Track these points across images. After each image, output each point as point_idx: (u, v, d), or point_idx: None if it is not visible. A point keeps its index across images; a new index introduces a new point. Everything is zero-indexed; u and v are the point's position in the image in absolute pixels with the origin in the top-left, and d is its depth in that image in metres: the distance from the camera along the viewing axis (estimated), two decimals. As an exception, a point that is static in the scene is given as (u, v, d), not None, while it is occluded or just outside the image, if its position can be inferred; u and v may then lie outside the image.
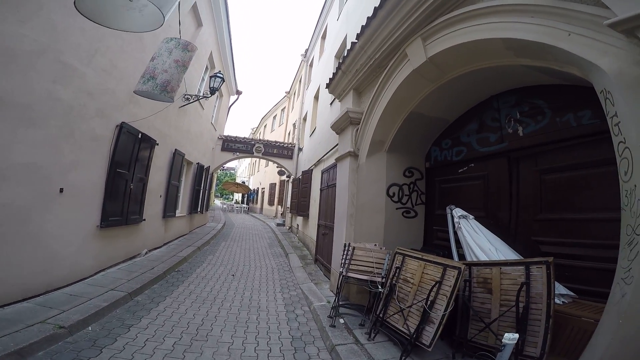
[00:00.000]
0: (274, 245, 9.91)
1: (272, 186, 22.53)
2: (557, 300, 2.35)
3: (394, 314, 3.12)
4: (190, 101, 7.66)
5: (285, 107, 20.95)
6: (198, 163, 10.08)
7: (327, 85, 5.48)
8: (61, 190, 3.75)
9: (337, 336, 3.25)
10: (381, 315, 3.24)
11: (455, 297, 2.65)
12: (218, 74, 7.73)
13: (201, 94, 8.33)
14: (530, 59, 2.47)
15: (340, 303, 3.79)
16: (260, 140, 14.58)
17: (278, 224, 15.24)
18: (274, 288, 5.20)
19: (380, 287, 3.39)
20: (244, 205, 29.47)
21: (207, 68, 9.74)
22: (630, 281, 1.57)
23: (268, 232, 13.09)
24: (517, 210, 3.09)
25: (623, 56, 1.65)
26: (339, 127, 5.06)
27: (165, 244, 7.52)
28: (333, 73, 5.13)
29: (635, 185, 1.58)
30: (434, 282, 2.77)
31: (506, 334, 1.73)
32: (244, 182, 34.92)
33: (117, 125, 4.74)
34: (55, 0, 3.37)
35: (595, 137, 2.41)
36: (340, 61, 4.78)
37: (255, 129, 30.73)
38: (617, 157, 1.76)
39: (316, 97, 10.77)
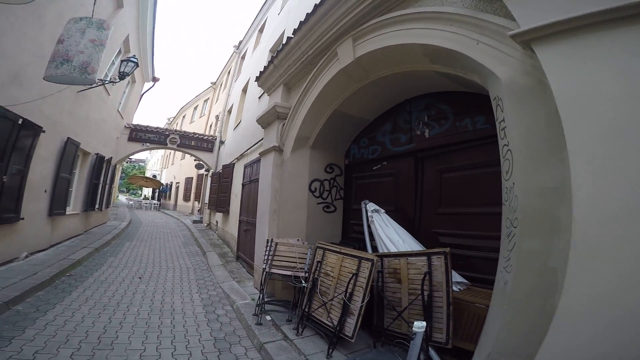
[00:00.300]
0: (189, 243, 9.26)
1: (189, 180, 20.94)
2: (454, 288, 2.60)
3: (318, 308, 3.19)
4: (94, 85, 6.64)
5: (209, 98, 19.80)
6: (97, 154, 8.77)
7: (257, 78, 5.35)
8: None
9: (265, 334, 3.20)
10: (306, 309, 3.28)
11: (370, 288, 2.80)
12: (132, 59, 6.91)
13: (107, 79, 7.29)
14: (442, 66, 2.70)
15: (265, 300, 3.75)
16: (176, 131, 13.46)
17: (195, 221, 14.27)
18: (190, 289, 4.87)
19: (303, 281, 3.44)
20: (155, 202, 26.66)
21: (120, 51, 8.65)
22: (510, 270, 1.76)
23: (183, 230, 12.15)
24: (420, 205, 3.47)
25: (516, 66, 1.87)
26: (265, 121, 4.99)
27: (52, 246, 6.37)
28: (265, 66, 5.03)
29: (514, 183, 1.83)
30: (351, 275, 2.90)
31: (415, 322, 1.81)
32: (155, 176, 31.61)
33: (-14, 108, 3.85)
34: None
35: (486, 141, 2.75)
36: (274, 55, 4.71)
37: (172, 119, 28.16)
38: (501, 159, 2.04)
39: (244, 90, 10.42)
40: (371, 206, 3.62)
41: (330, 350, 2.79)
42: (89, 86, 6.56)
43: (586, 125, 1.50)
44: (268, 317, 3.61)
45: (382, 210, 3.55)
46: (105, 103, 8.65)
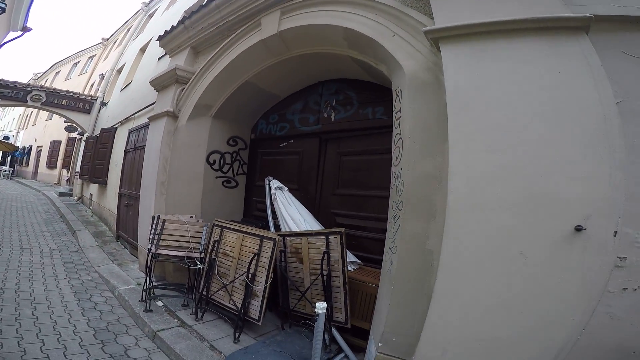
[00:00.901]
0: (53, 221, 7.65)
1: (56, 144, 17.09)
2: (349, 267, 2.72)
3: (218, 291, 3.02)
4: None
5: (95, 55, 16.66)
6: None
7: (161, 38, 4.63)
8: None
9: (157, 321, 2.91)
10: (204, 293, 3.08)
11: (273, 268, 2.74)
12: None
13: None
14: (357, 52, 2.76)
15: (155, 284, 3.35)
16: (42, 87, 10.75)
17: (61, 194, 11.82)
18: (55, 274, 4.06)
19: (199, 263, 3.19)
20: (6, 168, 21.05)
21: None
22: (395, 250, 1.90)
23: (45, 205, 9.95)
24: (321, 185, 3.58)
25: (421, 61, 2.01)
26: (161, 83, 4.38)
27: None
28: (172, 26, 4.38)
29: (402, 169, 1.99)
30: (252, 255, 2.78)
31: (317, 304, 1.84)
32: (7, 138, 24.74)
33: None
34: None
35: (383, 130, 2.92)
36: (187, 16, 4.13)
37: (40, 75, 22.28)
38: (392, 146, 2.19)
39: (143, 50, 9.00)
40: (275, 183, 3.55)
41: (237, 334, 2.70)
42: None
43: (468, 121, 1.71)
44: (159, 303, 3.29)
45: (286, 188, 3.52)
46: None
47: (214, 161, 4.05)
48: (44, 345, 2.47)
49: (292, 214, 3.24)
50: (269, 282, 2.69)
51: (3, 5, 5.41)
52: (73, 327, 2.80)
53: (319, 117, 3.67)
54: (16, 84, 10.01)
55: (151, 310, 3.10)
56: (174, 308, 3.22)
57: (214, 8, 3.86)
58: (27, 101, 10.11)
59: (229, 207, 4.18)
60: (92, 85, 14.77)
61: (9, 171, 20.81)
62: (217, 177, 4.08)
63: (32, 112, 21.37)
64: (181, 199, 3.86)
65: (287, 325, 2.91)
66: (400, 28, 2.21)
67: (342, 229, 2.68)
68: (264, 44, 3.32)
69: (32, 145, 21.23)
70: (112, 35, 15.76)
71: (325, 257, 2.63)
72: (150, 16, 11.48)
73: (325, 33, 2.86)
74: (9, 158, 23.32)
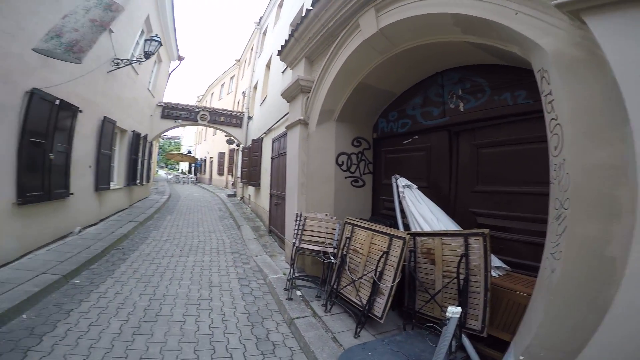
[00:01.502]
0: (225, 217, 9.67)
1: (221, 155, 21.58)
2: (493, 273, 2.43)
3: (346, 285, 3.17)
4: (120, 66, 6.80)
5: (234, 75, 19.94)
6: (134, 131, 9.18)
7: (279, 53, 5.23)
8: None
9: (295, 309, 3.26)
10: (335, 286, 3.27)
11: (402, 267, 2.69)
12: (154, 38, 7.01)
13: (134, 59, 7.42)
14: (476, 36, 2.48)
15: (296, 275, 3.78)
16: (206, 107, 13.72)
17: (229, 195, 14.83)
18: (226, 262, 5.10)
19: (332, 257, 3.42)
20: (192, 176, 27.98)
21: (142, 32, 8.70)
22: (559, 257, 1.61)
23: (218, 204, 12.70)
24: (456, 182, 3.26)
25: (564, 37, 1.68)
26: (289, 95, 4.91)
27: (101, 220, 6.92)
28: (285, 40, 4.90)
29: (564, 160, 1.65)
30: (381, 253, 2.79)
31: (450, 308, 1.71)
32: (190, 152, 32.91)
33: (26, 92, 4.05)
34: None
35: (529, 116, 2.52)
36: (294, 28, 4.55)
37: (201, 97, 28.71)
38: (548, 134, 1.84)
39: (268, 66, 10.32)
40: (402, 181, 3.46)
41: (358, 330, 2.79)
42: (118, 67, 6.76)
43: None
44: (298, 293, 3.68)
45: (414, 186, 3.38)
46: (135, 83, 8.87)
47: (342, 162, 4.27)
48: (212, 323, 3.10)
49: (423, 213, 3.09)
50: (396, 281, 2.66)
51: (158, 39, 7.16)
52: (234, 309, 3.44)
53: (444, 109, 3.39)
54: (188, 107, 13.10)
55: (291, 299, 3.49)
56: (309, 298, 3.52)
57: (313, 17, 4.07)
58: (197, 120, 13.02)
59: (358, 206, 4.33)
60: (237, 102, 17.58)
61: (194, 178, 27.49)
62: (346, 177, 4.28)
63: (203, 129, 27.45)
64: (318, 198, 4.22)
65: (409, 327, 2.83)
66: (519, 4, 1.90)
67: (486, 230, 2.40)
68: (368, 43, 3.30)
69: (205, 157, 27.44)
70: (241, 55, 18.26)
71: (463, 260, 2.42)
72: (264, 34, 12.80)
73: (431, 23, 2.66)
74: (192, 168, 30.78)
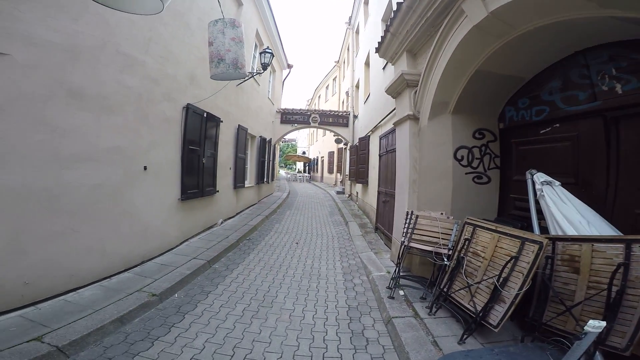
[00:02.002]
0: (334, 213, 10.10)
1: (331, 154, 22.66)
2: None
3: (459, 290, 2.93)
4: (246, 78, 7.83)
5: (336, 77, 20.63)
6: (260, 136, 10.50)
7: (377, 50, 5.12)
8: (145, 168, 4.20)
9: (395, 308, 3.19)
10: (445, 289, 3.07)
11: (533, 275, 2.37)
12: (267, 50, 7.74)
13: (255, 71, 8.47)
14: (619, 9, 2.01)
15: (401, 274, 3.67)
16: (315, 110, 14.60)
17: (338, 192, 15.42)
18: (333, 256, 5.32)
19: (446, 259, 3.18)
20: (306, 174, 30.38)
21: (256, 46, 9.80)
22: None
23: (329, 200, 13.36)
24: (616, 178, 2.58)
25: None
26: (394, 90, 4.75)
27: (237, 214, 8.18)
28: (381, 37, 4.77)
29: None
30: (508, 258, 2.50)
31: (591, 321, 1.51)
32: (304, 153, 35.75)
33: (183, 107, 5.08)
34: None
35: None
36: (388, 24, 4.41)
37: (310, 100, 30.79)
38: None
39: (367, 64, 10.29)
40: (540, 177, 2.90)
41: (465, 336, 2.57)
42: (244, 79, 7.79)
43: None
44: (401, 292, 3.56)
45: (557, 183, 2.79)
46: (258, 93, 10.10)
47: (462, 157, 3.86)
48: (316, 313, 3.28)
49: (568, 214, 2.55)
50: (524, 289, 2.34)
51: (270, 51, 7.76)
52: (336, 302, 3.56)
53: (594, 92, 2.73)
54: (302, 111, 14.16)
55: (393, 298, 3.39)
56: (412, 299, 3.37)
57: (406, 10, 3.83)
58: (309, 123, 13.97)
59: (481, 205, 3.84)
60: (342, 102, 18.10)
61: (308, 176, 29.74)
62: (466, 173, 3.87)
63: (314, 131, 29.36)
64: (431, 196, 3.95)
65: (528, 339, 2.45)
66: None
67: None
68: (479, 29, 2.94)
69: (317, 156, 29.29)
70: (339, 56, 18.65)
71: (620, 270, 2.01)
72: (357, 32, 12.68)
73: (554, 0, 2.22)
74: (306, 167, 33.36)
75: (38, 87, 2.91)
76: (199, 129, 5.55)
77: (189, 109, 5.15)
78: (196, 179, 5.56)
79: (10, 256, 2.74)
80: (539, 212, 2.87)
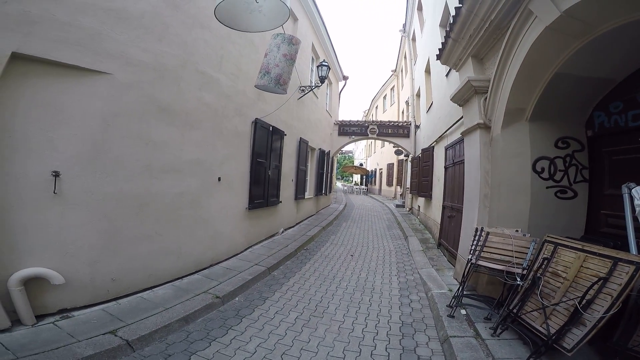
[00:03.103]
0: (392, 227, 9.81)
1: (390, 166, 22.16)
2: None
3: (532, 311, 2.68)
4: (306, 92, 8.18)
5: (394, 86, 20.28)
6: (320, 148, 10.79)
7: (439, 57, 4.95)
8: (219, 179, 4.62)
9: (455, 327, 2.99)
10: (514, 310, 2.82)
11: (625, 297, 2.11)
12: (323, 63, 7.95)
13: (313, 84, 8.77)
14: None
15: (465, 293, 3.43)
16: (373, 121, 14.53)
17: (397, 205, 14.96)
18: (390, 271, 5.17)
19: (519, 279, 2.92)
20: (363, 187, 30.13)
21: (312, 59, 10.08)
22: None
23: (387, 214, 13.03)
24: None
25: None
26: (460, 98, 4.51)
27: (297, 224, 8.45)
28: (442, 43, 4.60)
29: None
30: (595, 279, 2.27)
31: None
32: (361, 164, 35.61)
33: (252, 122, 5.50)
34: (175, 18, 3.77)
35: None
36: (448, 29, 4.25)
37: (367, 111, 30.70)
38: None
39: (427, 71, 9.94)
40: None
41: (532, 359, 2.34)
42: (304, 93, 8.12)
43: None
44: (463, 312, 3.32)
45: None
46: (317, 106, 10.40)
47: (542, 169, 3.50)
48: (365, 327, 3.20)
49: None
50: (611, 312, 2.11)
51: (326, 64, 7.87)
52: (389, 317, 3.44)
53: None
54: (359, 122, 14.16)
55: (453, 317, 3.18)
56: (475, 319, 3.14)
57: (467, 15, 3.66)
58: (367, 134, 13.91)
59: (564, 222, 3.42)
60: (402, 112, 17.65)
61: (365, 189, 29.44)
62: (547, 187, 3.49)
63: (372, 142, 29.04)
64: (505, 211, 3.63)
65: None
66: None
67: None
68: (553, 30, 2.70)
69: (375, 169, 28.89)
70: (396, 65, 18.19)
71: None
72: (413, 39, 12.27)
73: None
74: (364, 179, 33.08)
75: (134, 104, 3.36)
76: (265, 142, 5.92)
77: (257, 123, 5.54)
78: (262, 189, 5.91)
79: (106, 254, 3.15)
80: (637, 229, 2.51)
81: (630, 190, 2.64)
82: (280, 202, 6.88)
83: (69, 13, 2.79)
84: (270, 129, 6.09)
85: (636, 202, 2.52)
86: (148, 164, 3.53)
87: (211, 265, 4.50)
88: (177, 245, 3.92)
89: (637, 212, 2.50)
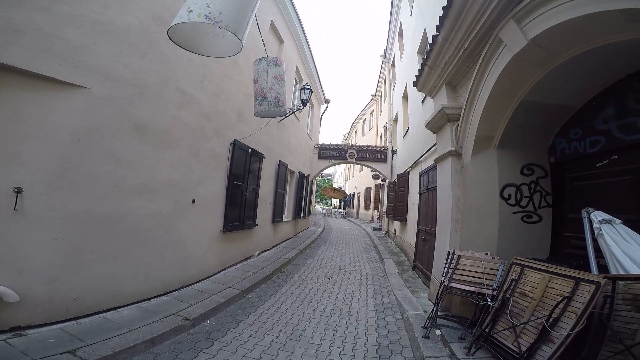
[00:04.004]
0: (369, 250, 9.83)
1: (368, 190, 22.49)
2: None
3: (503, 330, 2.75)
4: (287, 115, 8.25)
5: (373, 110, 20.88)
6: (299, 172, 10.81)
7: (415, 83, 5.20)
8: (193, 201, 4.51)
9: (430, 348, 3.01)
10: (487, 330, 2.88)
11: (588, 315, 2.21)
12: (306, 86, 8.10)
13: (295, 107, 8.89)
14: None
15: (439, 314, 3.48)
16: (352, 146, 14.83)
17: (374, 229, 15.07)
18: (366, 293, 5.14)
19: (489, 299, 3.00)
20: (342, 210, 30.22)
21: (296, 81, 10.23)
22: None
23: (364, 237, 13.07)
24: None
25: None
26: (434, 125, 4.72)
27: (274, 247, 8.28)
28: (419, 70, 4.85)
29: None
30: (560, 298, 2.37)
31: None
32: (340, 188, 35.89)
33: (231, 143, 5.47)
34: (160, 34, 3.72)
35: None
36: (425, 57, 4.50)
37: (346, 135, 31.37)
38: None
39: (405, 97, 10.35)
40: (598, 215, 2.72)
41: None
42: (285, 116, 8.18)
43: None
44: (438, 332, 3.34)
45: (618, 221, 2.59)
46: (298, 128, 10.52)
47: (509, 195, 3.69)
48: (343, 350, 3.17)
49: (632, 253, 2.37)
50: (577, 329, 2.20)
51: (309, 87, 8.05)
52: (366, 340, 3.42)
53: None
54: (339, 146, 14.45)
55: (428, 337, 3.21)
56: (449, 339, 3.16)
57: (442, 42, 3.87)
58: (346, 158, 14.15)
59: (530, 244, 3.58)
60: (380, 136, 18.10)
61: (343, 212, 29.53)
62: (514, 213, 3.67)
63: (350, 166, 29.49)
64: (475, 236, 3.75)
65: None
66: None
67: None
68: (520, 58, 2.92)
69: (354, 192, 29.19)
70: (376, 90, 18.86)
71: None
72: (393, 65, 12.74)
73: (595, 24, 2.24)
74: (342, 202, 33.25)
75: (109, 121, 3.28)
76: (243, 165, 5.88)
77: (235, 145, 5.53)
78: (238, 212, 5.81)
79: (67, 272, 3.00)
80: (597, 249, 2.68)
81: (589, 214, 2.84)
82: (257, 224, 6.76)
83: (54, 23, 2.77)
84: (249, 151, 6.08)
85: (595, 225, 2.71)
86: (118, 184, 3.42)
87: (182, 287, 4.31)
88: (145, 267, 3.76)
89: (596, 234, 2.68)
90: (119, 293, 3.46)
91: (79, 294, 3.08)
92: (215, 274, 5.14)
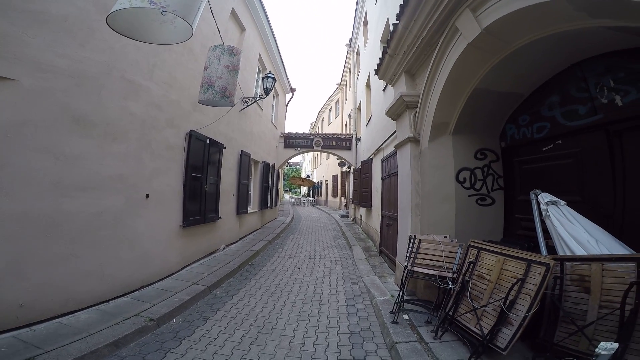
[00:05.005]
0: (338, 237, 9.95)
1: (335, 178, 22.69)
2: None
3: (465, 313, 2.85)
4: (249, 104, 8.00)
5: (339, 99, 20.90)
6: (264, 161, 10.57)
7: (376, 71, 5.22)
8: (147, 196, 4.22)
9: (399, 333, 3.08)
10: (450, 313, 2.98)
11: (541, 296, 2.31)
12: (269, 75, 7.90)
13: (257, 96, 8.63)
14: (610, 19, 2.05)
15: (405, 298, 3.57)
16: (318, 134, 14.77)
17: (342, 216, 15.29)
18: (336, 281, 5.18)
19: (450, 283, 3.11)
20: (310, 198, 30.30)
21: (259, 70, 9.94)
22: None
23: (332, 224, 13.21)
24: (623, 193, 2.53)
25: None
26: (394, 112, 4.78)
27: (240, 239, 8.08)
28: (380, 58, 4.86)
29: None
30: (515, 280, 2.45)
31: (602, 343, 1.51)
32: (308, 176, 35.90)
33: (186, 133, 5.17)
34: (103, 22, 3.37)
35: None
36: (386, 45, 4.50)
37: (313, 124, 31.24)
38: None
39: (368, 86, 10.46)
40: (545, 197, 2.88)
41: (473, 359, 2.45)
42: (246, 105, 7.95)
43: None
44: (405, 317, 3.44)
45: (562, 202, 2.76)
46: (261, 118, 10.23)
47: (464, 179, 3.83)
48: (317, 340, 3.18)
49: (576, 234, 2.51)
50: (532, 311, 2.29)
51: (272, 76, 7.91)
52: (338, 328, 3.45)
53: (594, 105, 2.74)
54: (305, 135, 14.32)
55: (397, 322, 3.29)
56: (417, 323, 3.27)
57: (402, 30, 3.91)
58: (313, 146, 14.09)
59: (486, 227, 3.77)
60: (345, 125, 18.25)
61: (312, 200, 29.65)
62: (469, 196, 3.82)
63: (318, 155, 29.54)
64: (434, 219, 3.87)
65: (539, 359, 2.39)
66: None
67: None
68: (474, 46, 2.99)
69: (321, 180, 29.34)
70: (341, 78, 19.01)
71: (633, 289, 1.97)
72: (357, 54, 12.89)
73: (545, 13, 2.31)
74: (311, 191, 33.37)
75: (43, 114, 2.99)
76: (201, 156, 5.60)
77: (191, 136, 5.23)
78: (198, 205, 5.56)
79: (8, 279, 2.75)
80: (546, 231, 2.82)
81: (536, 196, 3.00)
82: (220, 217, 6.53)
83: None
84: (208, 142, 5.80)
85: (542, 206, 2.87)
86: (58, 181, 3.12)
87: (142, 287, 4.09)
88: (98, 267, 3.52)
89: (543, 215, 2.84)
90: (73, 296, 3.24)
91: (26, 300, 2.87)
92: (178, 271, 4.92)
